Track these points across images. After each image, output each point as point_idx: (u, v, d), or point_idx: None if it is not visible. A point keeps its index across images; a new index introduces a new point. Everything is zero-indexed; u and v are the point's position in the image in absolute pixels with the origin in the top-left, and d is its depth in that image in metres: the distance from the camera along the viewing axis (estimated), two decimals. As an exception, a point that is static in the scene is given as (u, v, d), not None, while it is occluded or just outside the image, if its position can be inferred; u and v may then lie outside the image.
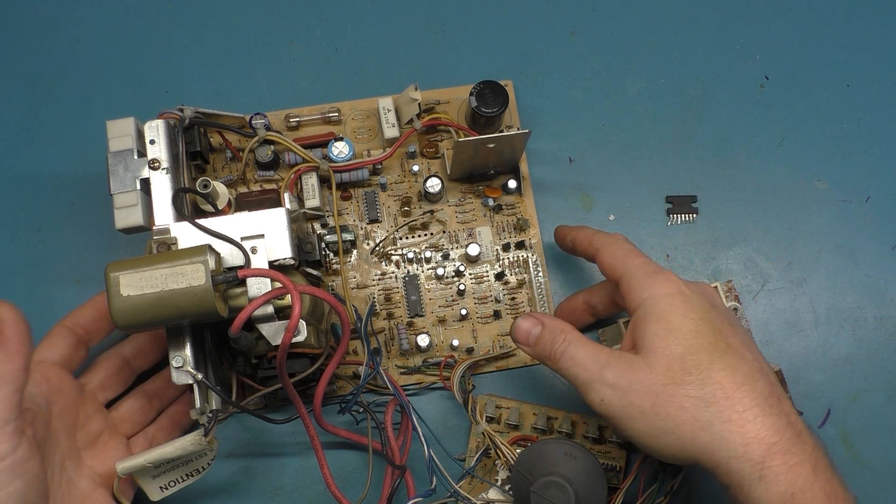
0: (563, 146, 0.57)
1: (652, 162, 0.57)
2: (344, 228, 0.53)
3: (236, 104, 0.56)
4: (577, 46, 0.59)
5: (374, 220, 0.54)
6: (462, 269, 0.54)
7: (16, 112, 0.57)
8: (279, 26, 0.59)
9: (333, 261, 0.53)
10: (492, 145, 0.49)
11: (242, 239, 0.42)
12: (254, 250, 0.43)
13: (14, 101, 0.57)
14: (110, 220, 0.46)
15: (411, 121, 0.53)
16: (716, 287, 0.50)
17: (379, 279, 0.54)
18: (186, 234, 0.43)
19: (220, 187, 0.48)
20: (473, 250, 0.53)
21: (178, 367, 0.42)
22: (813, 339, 0.54)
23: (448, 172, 0.54)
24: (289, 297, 0.40)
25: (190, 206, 0.47)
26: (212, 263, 0.39)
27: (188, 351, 0.43)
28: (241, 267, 0.42)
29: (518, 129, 0.55)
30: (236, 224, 0.43)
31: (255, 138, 0.51)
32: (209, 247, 0.40)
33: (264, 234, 0.43)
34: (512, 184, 0.54)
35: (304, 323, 0.42)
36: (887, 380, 0.53)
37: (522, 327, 0.45)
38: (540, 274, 0.54)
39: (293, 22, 0.59)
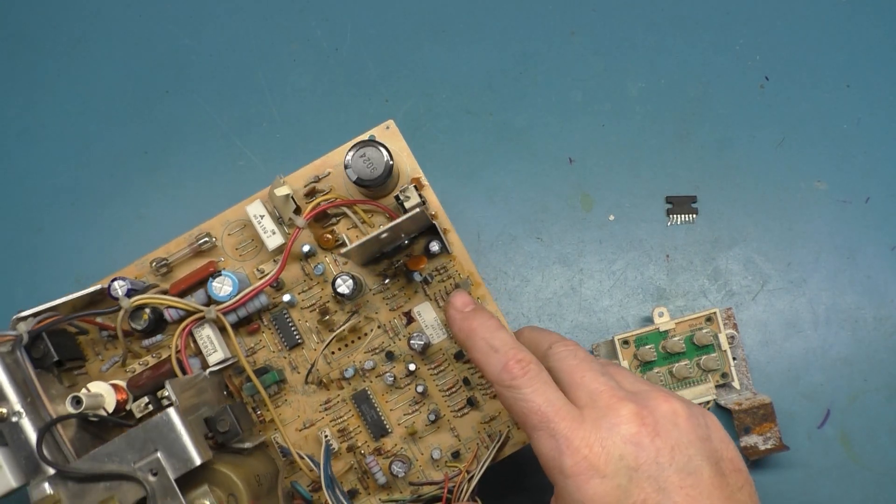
0: (563, 146, 0.57)
1: (652, 162, 0.57)
2: (263, 370, 0.45)
3: (237, 102, 0.56)
4: (576, 46, 0.59)
5: (294, 346, 0.46)
6: (413, 367, 0.46)
7: (16, 112, 0.57)
8: (279, 26, 0.59)
9: (263, 414, 0.46)
10: (385, 235, 0.41)
11: (136, 465, 0.35)
12: (153, 472, 0.35)
13: (15, 101, 0.57)
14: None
15: (291, 220, 0.44)
16: (714, 314, 0.49)
17: (325, 409, 0.46)
18: (71, 489, 0.35)
19: (97, 387, 0.41)
20: (417, 342, 0.44)
21: None
22: (812, 340, 0.54)
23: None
24: None
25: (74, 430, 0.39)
26: None
27: None
28: None
29: (416, 182, 0.46)
30: (121, 448, 0.35)
31: (121, 311, 0.42)
32: None
33: (157, 449, 0.35)
34: (434, 246, 0.45)
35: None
36: (887, 380, 0.53)
37: (464, 296, 0.41)
38: None
39: (293, 22, 0.59)
